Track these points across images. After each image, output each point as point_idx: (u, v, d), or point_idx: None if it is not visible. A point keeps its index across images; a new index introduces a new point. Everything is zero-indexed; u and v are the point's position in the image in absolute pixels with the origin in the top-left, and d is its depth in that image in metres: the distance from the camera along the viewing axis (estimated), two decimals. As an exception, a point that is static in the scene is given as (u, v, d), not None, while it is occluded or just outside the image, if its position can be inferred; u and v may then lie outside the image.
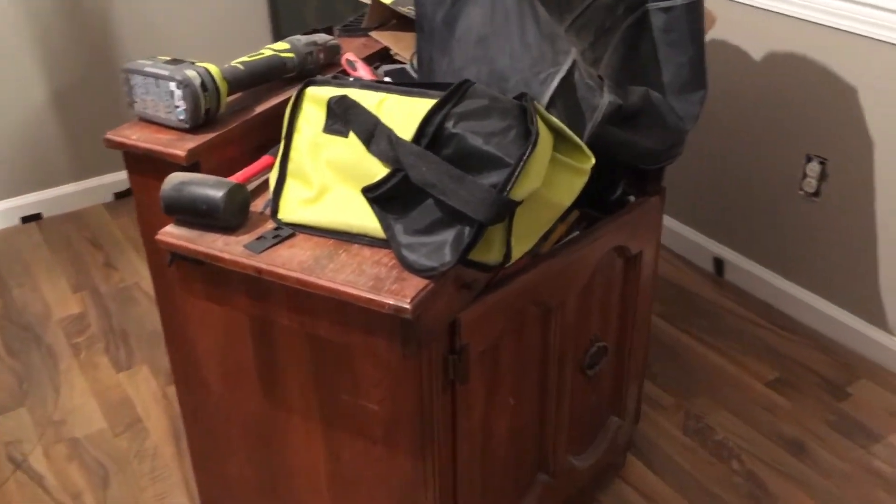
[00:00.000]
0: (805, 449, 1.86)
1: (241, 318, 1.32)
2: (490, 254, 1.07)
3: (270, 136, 1.35)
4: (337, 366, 1.26)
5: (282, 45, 1.37)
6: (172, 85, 1.19)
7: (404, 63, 1.55)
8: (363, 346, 1.16)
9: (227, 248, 1.13)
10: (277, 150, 1.26)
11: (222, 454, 1.52)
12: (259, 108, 1.35)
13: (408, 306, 1.01)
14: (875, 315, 2.09)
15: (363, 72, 1.44)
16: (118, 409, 2.02)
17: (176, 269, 1.20)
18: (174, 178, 1.15)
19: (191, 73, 1.20)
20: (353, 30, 1.66)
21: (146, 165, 1.27)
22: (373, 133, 1.08)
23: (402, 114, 1.09)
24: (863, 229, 2.07)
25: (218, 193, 1.12)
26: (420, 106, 1.08)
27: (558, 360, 1.45)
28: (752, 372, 2.08)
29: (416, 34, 1.33)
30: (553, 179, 1.09)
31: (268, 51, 1.35)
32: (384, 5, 1.65)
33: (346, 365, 1.25)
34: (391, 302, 1.02)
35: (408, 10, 1.62)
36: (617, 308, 1.59)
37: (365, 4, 1.74)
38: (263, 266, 1.09)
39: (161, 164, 1.25)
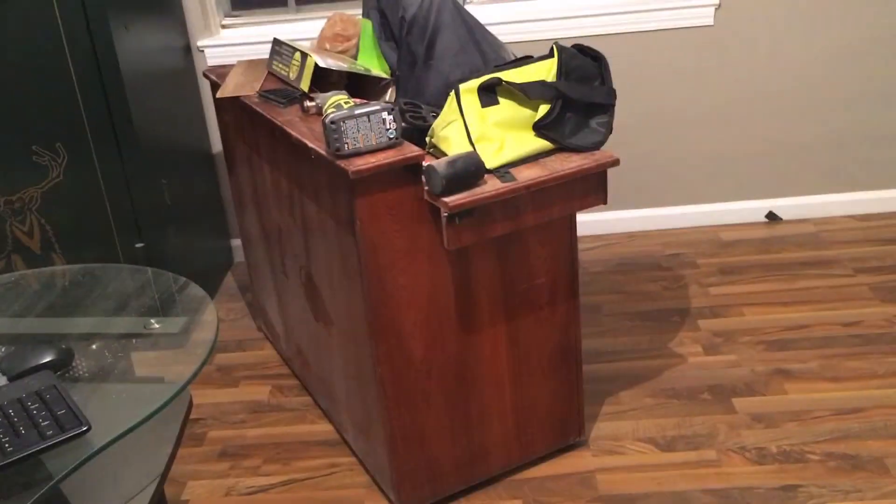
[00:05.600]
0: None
1: (445, 271, 1.79)
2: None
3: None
4: (517, 264, 1.86)
5: (341, 95, 1.83)
6: (384, 113, 1.63)
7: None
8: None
9: (496, 188, 1.67)
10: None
11: (422, 422, 1.88)
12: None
13: (617, 157, 1.77)
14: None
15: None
16: None
17: (452, 227, 1.66)
18: (438, 165, 1.63)
19: (385, 103, 1.65)
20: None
21: (374, 185, 1.65)
22: (525, 89, 1.76)
23: (521, 76, 1.80)
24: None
25: (477, 157, 1.66)
26: (531, 69, 1.80)
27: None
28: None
29: (398, 71, 1.97)
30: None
31: (343, 100, 1.80)
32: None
33: (523, 258, 1.86)
34: (609, 160, 1.76)
35: (346, 65, 2.11)
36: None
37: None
38: (531, 181, 1.69)
39: (390, 175, 1.65)
